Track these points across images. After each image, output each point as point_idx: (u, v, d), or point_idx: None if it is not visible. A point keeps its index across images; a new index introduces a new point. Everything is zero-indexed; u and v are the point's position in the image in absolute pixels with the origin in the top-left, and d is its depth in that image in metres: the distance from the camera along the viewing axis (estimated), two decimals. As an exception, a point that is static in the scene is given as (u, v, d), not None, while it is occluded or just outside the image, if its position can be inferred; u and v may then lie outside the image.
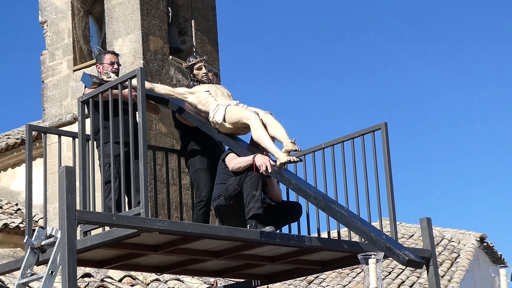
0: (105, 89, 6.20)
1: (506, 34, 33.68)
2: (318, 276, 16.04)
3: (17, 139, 15.13)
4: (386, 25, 36.68)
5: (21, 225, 13.02)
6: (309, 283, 16.05)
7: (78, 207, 5.48)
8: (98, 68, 7.19)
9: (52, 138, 11.17)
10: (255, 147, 6.61)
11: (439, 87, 35.47)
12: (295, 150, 6.34)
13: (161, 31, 13.55)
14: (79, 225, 5.75)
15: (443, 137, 35.86)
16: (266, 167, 6.33)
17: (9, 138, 15.58)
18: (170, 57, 13.57)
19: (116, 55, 7.36)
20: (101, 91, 6.21)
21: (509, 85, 34.27)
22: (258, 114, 6.56)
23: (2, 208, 14.21)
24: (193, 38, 14.18)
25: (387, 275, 15.02)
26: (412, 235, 17.59)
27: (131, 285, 7.70)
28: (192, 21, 14.30)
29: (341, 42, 37.21)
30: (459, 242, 16.95)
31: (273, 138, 6.44)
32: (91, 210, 6.18)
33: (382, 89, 36.57)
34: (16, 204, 14.70)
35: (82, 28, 13.98)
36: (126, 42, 13.30)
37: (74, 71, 13.59)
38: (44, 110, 13.83)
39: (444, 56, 35.69)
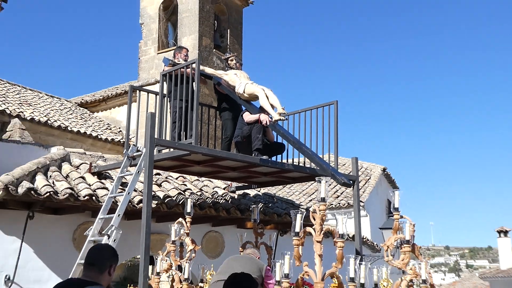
0: (176, 68, 6.12)
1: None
2: (290, 186, 16.12)
3: (122, 90, 14.98)
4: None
5: (121, 141, 12.99)
6: (283, 187, 16.13)
7: (156, 136, 5.45)
8: (178, 54, 7.05)
9: (142, 93, 11.07)
10: (261, 110, 6.55)
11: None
12: (284, 113, 6.29)
13: (210, 34, 13.36)
14: (156, 146, 5.73)
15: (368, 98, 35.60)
16: (266, 121, 6.30)
17: (117, 89, 15.43)
18: (214, 50, 13.39)
19: (187, 50, 7.26)
20: (174, 69, 6.13)
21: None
22: (264, 89, 6.49)
23: (111, 129, 14.18)
24: (228, 40, 13.99)
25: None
26: (344, 164, 17.57)
27: (182, 181, 7.70)
28: (228, 30, 14.09)
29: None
30: (371, 170, 16.97)
31: (272, 105, 6.38)
32: (163, 138, 6.17)
33: (335, 68, 36.08)
34: (119, 128, 14.65)
35: (164, 28, 13.79)
36: (189, 39, 13.11)
37: (158, 53, 13.44)
38: (139, 75, 13.73)
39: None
